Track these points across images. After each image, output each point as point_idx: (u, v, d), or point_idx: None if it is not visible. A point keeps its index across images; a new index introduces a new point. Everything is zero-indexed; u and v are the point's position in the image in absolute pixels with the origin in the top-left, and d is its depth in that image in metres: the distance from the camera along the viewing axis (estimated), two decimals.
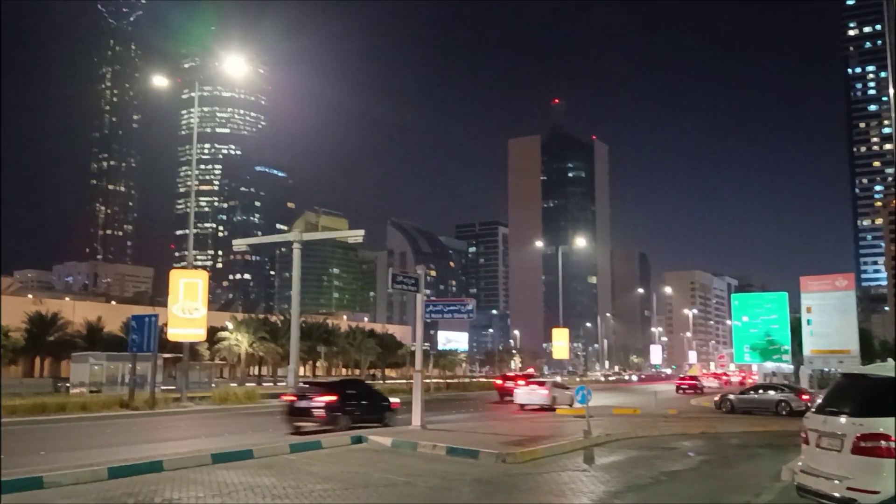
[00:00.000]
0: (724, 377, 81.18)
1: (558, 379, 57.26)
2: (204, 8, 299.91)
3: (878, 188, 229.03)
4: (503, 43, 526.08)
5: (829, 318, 28.32)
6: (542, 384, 39.86)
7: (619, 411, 34.87)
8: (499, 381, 52.12)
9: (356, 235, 42.24)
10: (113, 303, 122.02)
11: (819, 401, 9.39)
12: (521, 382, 41.14)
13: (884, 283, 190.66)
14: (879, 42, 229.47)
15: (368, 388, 26.84)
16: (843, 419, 8.10)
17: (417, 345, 24.01)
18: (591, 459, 16.69)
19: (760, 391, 35.39)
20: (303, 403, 23.33)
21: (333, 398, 23.26)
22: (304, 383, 29.31)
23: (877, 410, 7.72)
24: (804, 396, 32.64)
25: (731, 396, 35.22)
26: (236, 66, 42.18)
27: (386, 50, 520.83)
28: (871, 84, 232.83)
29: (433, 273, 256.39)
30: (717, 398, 36.56)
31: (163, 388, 42.73)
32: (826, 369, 34.39)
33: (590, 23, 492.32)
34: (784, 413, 31.51)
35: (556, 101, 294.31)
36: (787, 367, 51.10)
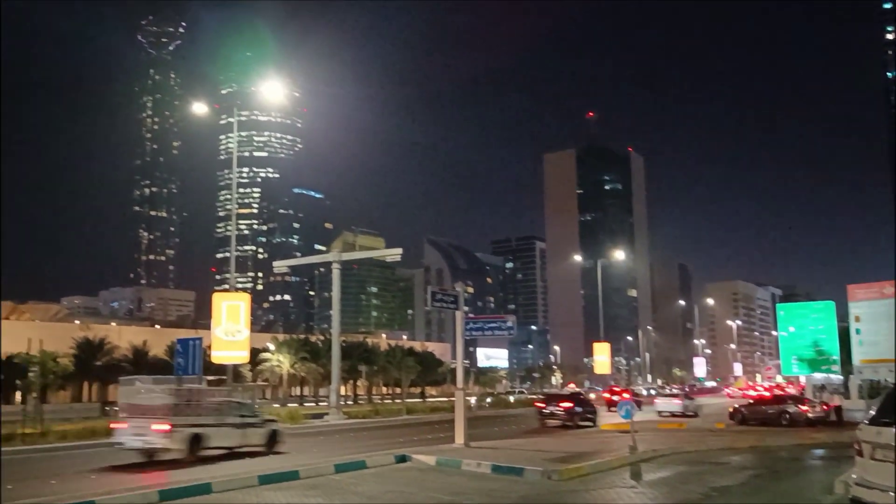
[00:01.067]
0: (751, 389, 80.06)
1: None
2: (240, 35, 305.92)
3: None
4: (536, 57, 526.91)
5: (877, 327, 27.62)
6: (675, 395, 48.86)
7: (663, 426, 34.42)
8: (606, 395, 59.61)
9: (394, 254, 42.42)
10: (157, 326, 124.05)
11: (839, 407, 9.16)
12: (627, 396, 48.63)
13: None
14: None
15: (586, 399, 40.96)
16: None
17: (458, 362, 24.01)
18: (639, 475, 16.47)
19: (766, 404, 36.49)
20: (550, 408, 35.89)
21: (571, 404, 35.92)
22: (546, 394, 44.16)
23: None
24: (802, 407, 33.68)
25: (743, 409, 36.13)
26: (274, 90, 42.85)
27: (419, 68, 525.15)
28: None
29: (470, 290, 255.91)
30: (730, 409, 37.40)
31: None
32: (876, 379, 33.57)
33: (623, 35, 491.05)
34: (784, 423, 32.55)
35: (591, 113, 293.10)
36: (837, 378, 49.94)
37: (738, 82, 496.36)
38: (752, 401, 39.71)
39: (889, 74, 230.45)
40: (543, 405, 37.04)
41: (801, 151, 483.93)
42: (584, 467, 17.16)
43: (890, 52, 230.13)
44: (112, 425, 23.27)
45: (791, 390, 61.31)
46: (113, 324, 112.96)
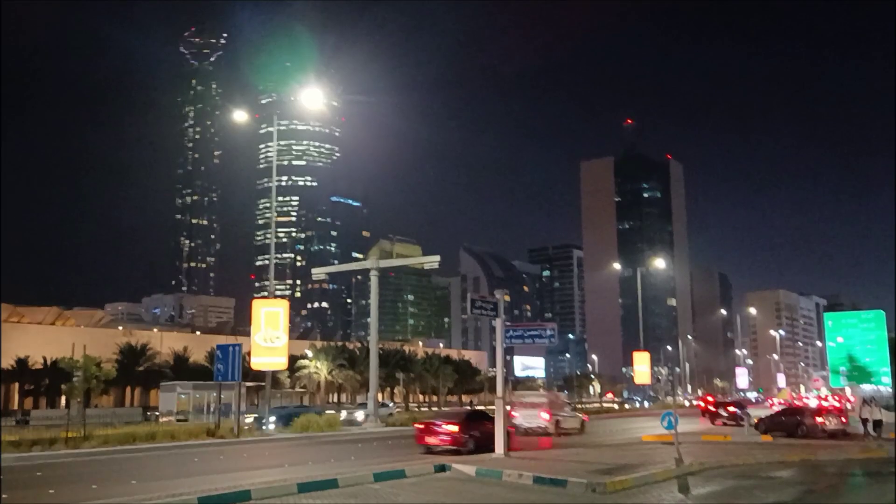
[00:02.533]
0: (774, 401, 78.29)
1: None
2: (280, 45, 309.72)
3: None
4: (574, 65, 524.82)
5: None
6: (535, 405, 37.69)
7: (707, 437, 33.58)
8: (700, 405, 61.39)
9: (432, 261, 42.22)
10: (197, 333, 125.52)
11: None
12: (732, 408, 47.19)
13: None
14: None
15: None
16: None
17: (498, 371, 23.65)
18: (687, 489, 15.95)
19: (786, 415, 37.49)
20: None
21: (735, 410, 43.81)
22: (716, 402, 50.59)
23: None
24: (819, 419, 34.52)
25: (766, 420, 37.20)
26: (313, 97, 43.05)
27: (456, 77, 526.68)
28: None
29: (507, 297, 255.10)
30: (755, 420, 38.12)
31: (246, 415, 43.40)
32: None
33: (661, 41, 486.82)
34: (800, 433, 33.37)
35: (629, 121, 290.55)
36: (887, 391, 48.38)
37: (779, 89, 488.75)
38: (774, 412, 40.92)
39: None
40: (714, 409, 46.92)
41: (842, 158, 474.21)
42: (630, 480, 16.68)
43: None
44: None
45: (831, 403, 59.78)
46: (155, 330, 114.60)
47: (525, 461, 20.56)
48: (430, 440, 26.33)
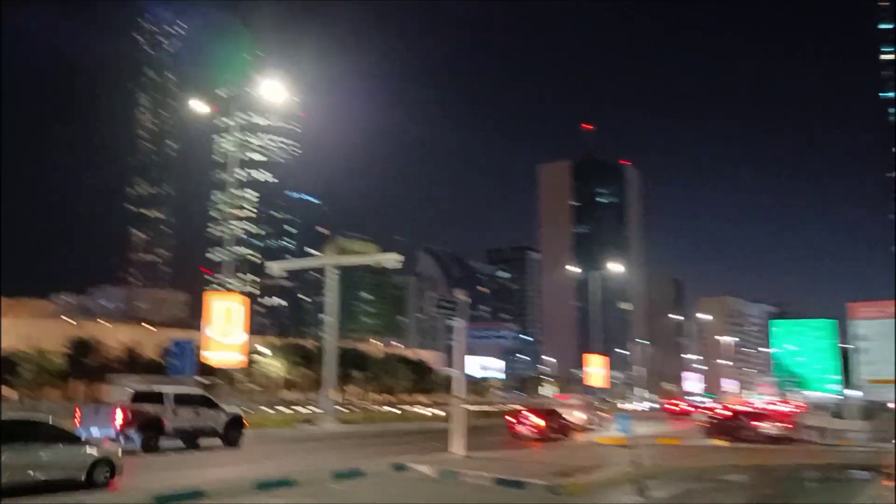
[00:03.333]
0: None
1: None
2: (239, 36, 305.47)
3: None
4: (534, 68, 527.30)
5: (882, 346, 27.34)
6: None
7: (661, 440, 34.07)
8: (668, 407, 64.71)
9: (391, 259, 42.10)
10: (149, 327, 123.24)
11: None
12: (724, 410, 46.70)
13: None
14: None
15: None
16: None
17: (458, 370, 23.63)
18: (644, 491, 16.12)
19: (731, 420, 38.32)
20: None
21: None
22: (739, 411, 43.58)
23: None
24: (762, 423, 35.23)
25: (711, 424, 38.01)
26: (274, 90, 42.44)
27: (417, 77, 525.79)
28: None
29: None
30: (704, 424, 39.44)
31: None
32: (881, 400, 33.62)
33: (621, 47, 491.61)
34: (745, 437, 33.89)
35: (587, 126, 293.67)
36: (838, 397, 49.63)
37: (733, 99, 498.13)
38: (720, 417, 41.84)
39: (887, 94, 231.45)
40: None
41: (796, 168, 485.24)
42: (588, 482, 16.81)
43: (888, 72, 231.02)
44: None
45: (784, 408, 61.24)
46: (105, 323, 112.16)
47: (484, 461, 20.60)
48: (521, 429, 33.73)
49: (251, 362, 77.86)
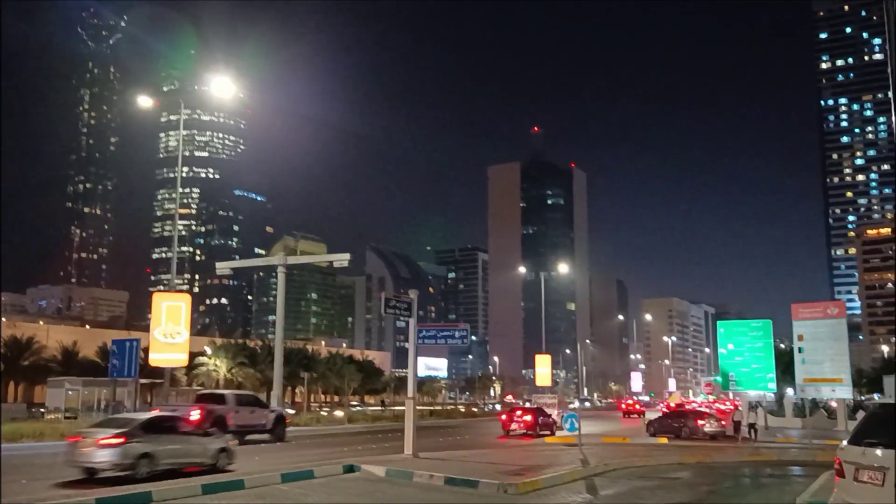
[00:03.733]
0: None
1: None
2: (184, 32, 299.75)
3: (850, 218, 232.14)
4: (484, 70, 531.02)
5: (821, 346, 28.19)
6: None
7: (608, 439, 34.53)
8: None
9: (342, 259, 41.66)
10: (87, 327, 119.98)
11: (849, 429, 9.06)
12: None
13: (858, 311, 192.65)
14: (852, 75, 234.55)
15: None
16: (885, 451, 7.77)
17: (411, 371, 23.53)
18: (595, 490, 16.28)
19: (671, 418, 39.64)
20: None
21: None
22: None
23: None
24: (700, 422, 36.82)
25: (655, 423, 38.96)
26: (223, 87, 41.65)
27: (366, 78, 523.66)
28: (844, 116, 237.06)
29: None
30: (646, 423, 40.71)
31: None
32: (819, 398, 34.73)
33: (570, 52, 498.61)
34: (684, 435, 35.36)
35: (536, 128, 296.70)
36: (771, 396, 50.99)
37: (676, 106, 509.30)
38: (661, 416, 42.92)
39: (822, 102, 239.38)
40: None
41: (735, 173, 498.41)
42: (540, 481, 16.88)
43: (824, 81, 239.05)
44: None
45: (724, 407, 62.91)
46: (41, 322, 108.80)
47: (435, 462, 20.54)
48: (513, 426, 38.21)
49: (196, 364, 76.50)
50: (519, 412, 39.98)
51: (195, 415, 27.24)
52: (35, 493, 14.51)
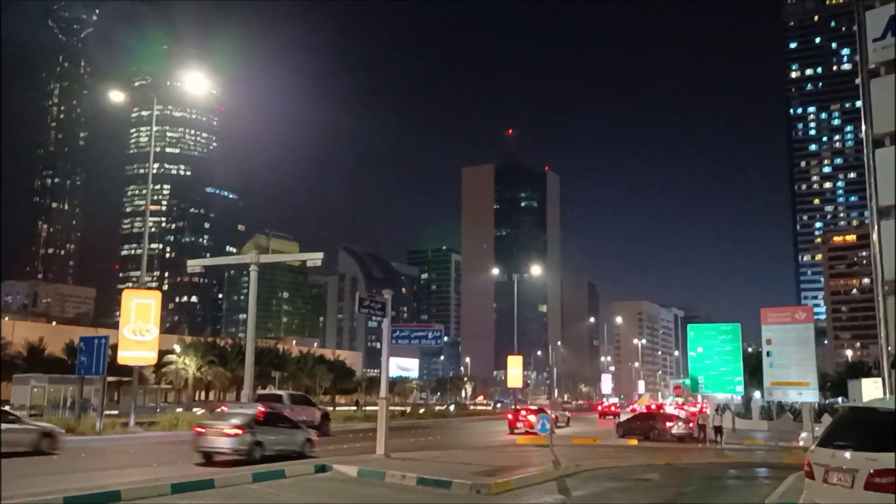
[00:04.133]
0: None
1: None
2: (156, 27, 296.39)
3: (817, 225, 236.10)
4: (459, 71, 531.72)
5: (788, 350, 28.62)
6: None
7: (578, 440, 34.74)
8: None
9: (315, 258, 41.22)
10: (54, 323, 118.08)
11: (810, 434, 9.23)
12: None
13: (823, 316, 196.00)
14: (821, 84, 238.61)
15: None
16: (854, 454, 7.91)
17: (384, 371, 23.52)
18: (567, 491, 16.37)
19: (640, 420, 40.10)
20: None
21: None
22: None
23: (889, 444, 7.55)
24: (668, 424, 37.15)
25: (623, 424, 39.67)
26: (197, 82, 41.24)
27: (341, 77, 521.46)
28: (812, 125, 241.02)
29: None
30: (616, 424, 41.62)
31: (107, 412, 41.11)
32: (786, 401, 35.33)
33: (545, 55, 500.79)
34: (653, 437, 35.52)
35: (510, 131, 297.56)
36: (738, 399, 51.74)
37: (648, 112, 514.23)
38: (630, 417, 43.86)
39: (791, 111, 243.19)
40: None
41: (705, 179, 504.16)
42: (512, 481, 16.95)
43: (794, 89, 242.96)
44: None
45: (691, 409, 63.56)
46: (6, 319, 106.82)
47: (407, 462, 20.53)
48: (519, 425, 41.29)
49: (165, 362, 75.71)
50: (524, 412, 43.47)
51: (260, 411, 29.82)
52: (179, 471, 18.17)
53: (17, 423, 23.18)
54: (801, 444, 34.73)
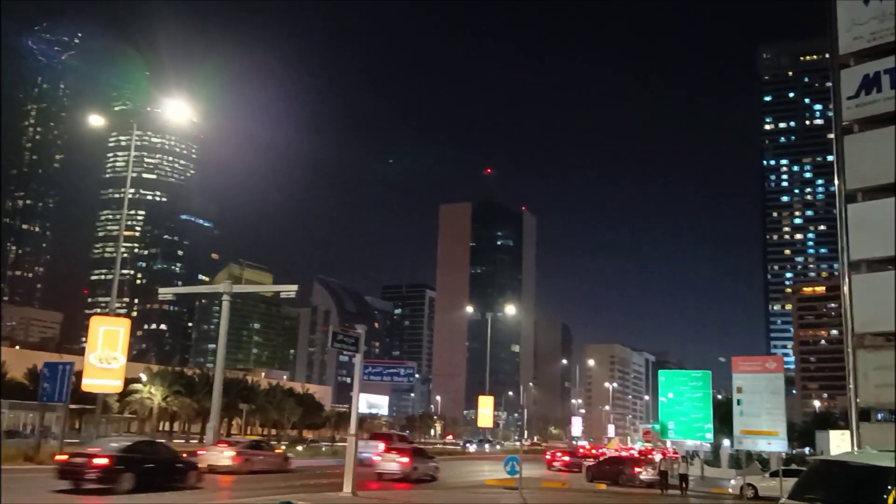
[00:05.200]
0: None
1: None
2: (138, 53, 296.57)
3: (788, 275, 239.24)
4: (439, 108, 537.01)
5: (758, 399, 28.75)
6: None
7: (547, 484, 34.44)
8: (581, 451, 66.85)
9: (289, 290, 41.15)
10: (17, 347, 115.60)
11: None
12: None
13: (792, 366, 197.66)
14: (793, 137, 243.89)
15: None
16: None
17: (354, 407, 23.23)
18: None
19: (609, 464, 40.65)
20: None
21: None
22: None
23: (860, 498, 7.56)
24: (637, 469, 37.51)
25: (593, 468, 40.19)
26: (178, 110, 41.18)
27: (321, 111, 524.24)
28: (784, 176, 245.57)
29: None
30: (585, 467, 42.28)
31: (67, 440, 40.09)
32: (755, 450, 35.40)
33: (525, 97, 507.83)
34: (621, 482, 35.89)
35: (489, 170, 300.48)
36: (707, 446, 51.66)
37: (624, 159, 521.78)
38: (599, 462, 44.15)
39: (764, 162, 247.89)
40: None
41: (680, 227, 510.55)
42: None
43: (767, 141, 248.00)
44: None
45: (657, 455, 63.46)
46: None
47: (373, 501, 20.21)
48: (555, 463, 48.54)
49: (130, 390, 74.21)
50: (559, 453, 52.45)
51: (381, 445, 36.33)
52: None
53: None
54: (729, 490, 34.74)
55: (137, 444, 23.53)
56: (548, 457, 51.86)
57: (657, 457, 49.86)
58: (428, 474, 32.86)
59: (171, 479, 22.42)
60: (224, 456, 30.25)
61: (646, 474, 36.68)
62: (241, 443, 34.58)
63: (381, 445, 35.74)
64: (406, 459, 31.16)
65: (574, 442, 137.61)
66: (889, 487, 7.49)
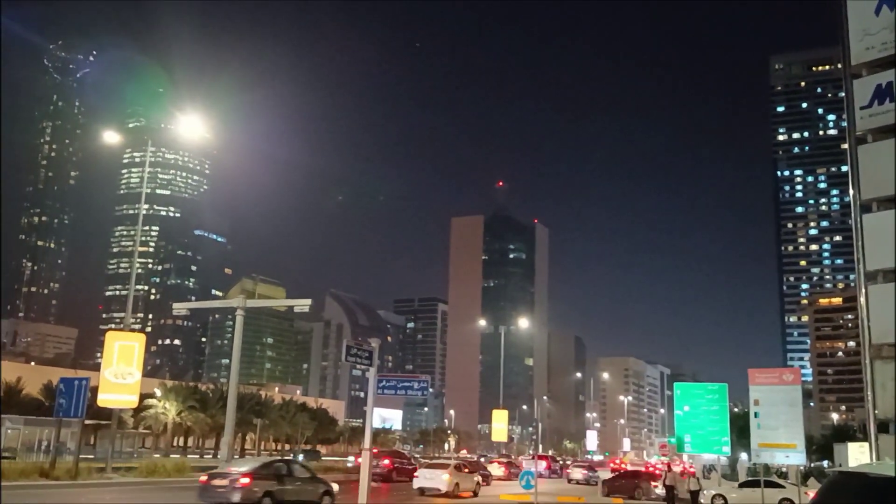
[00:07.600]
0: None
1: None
2: (153, 70, 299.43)
3: (804, 287, 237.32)
4: (452, 122, 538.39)
5: (776, 411, 28.45)
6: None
7: (564, 499, 34.22)
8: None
9: (303, 305, 41.03)
10: (33, 363, 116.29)
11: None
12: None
13: (809, 378, 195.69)
14: (807, 148, 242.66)
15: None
16: None
17: (368, 421, 23.17)
18: None
19: (625, 478, 41.40)
20: None
21: None
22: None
23: None
24: (654, 483, 38.42)
25: (608, 483, 40.53)
26: (192, 126, 41.44)
27: (333, 126, 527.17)
28: (799, 187, 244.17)
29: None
30: (601, 482, 42.91)
31: (82, 456, 40.24)
32: (772, 463, 35.04)
33: (539, 110, 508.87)
34: (637, 496, 36.60)
35: (501, 183, 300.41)
36: (724, 460, 51.21)
37: (640, 169, 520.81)
38: (615, 476, 44.67)
39: (779, 173, 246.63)
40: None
41: (695, 238, 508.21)
42: None
43: (781, 152, 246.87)
44: None
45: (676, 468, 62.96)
46: None
47: None
48: (576, 476, 51.63)
49: (145, 406, 74.43)
50: (585, 469, 54.21)
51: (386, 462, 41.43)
52: None
53: None
54: (702, 501, 34.33)
55: (272, 464, 24.15)
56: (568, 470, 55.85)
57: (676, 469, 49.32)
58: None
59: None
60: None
61: (661, 488, 36.46)
62: None
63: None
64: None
65: (588, 456, 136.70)
66: None
